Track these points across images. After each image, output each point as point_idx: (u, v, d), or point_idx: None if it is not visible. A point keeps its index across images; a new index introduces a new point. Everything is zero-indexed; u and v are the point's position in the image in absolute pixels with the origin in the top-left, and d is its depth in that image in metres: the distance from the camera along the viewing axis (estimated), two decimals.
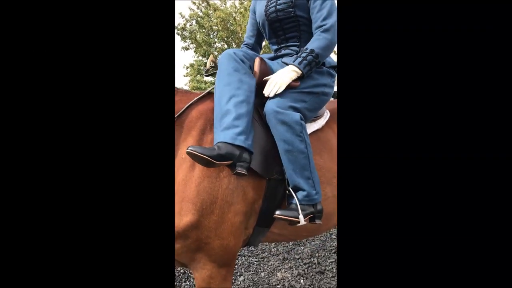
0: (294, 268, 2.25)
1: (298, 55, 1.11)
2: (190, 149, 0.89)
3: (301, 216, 1.02)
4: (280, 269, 2.25)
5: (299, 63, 1.08)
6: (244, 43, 1.44)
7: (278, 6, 1.21)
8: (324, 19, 1.14)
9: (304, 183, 1.05)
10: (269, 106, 1.07)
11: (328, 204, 1.20)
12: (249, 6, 9.28)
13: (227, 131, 0.96)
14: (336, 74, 1.31)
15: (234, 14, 9.60)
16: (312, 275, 2.18)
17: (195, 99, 1.10)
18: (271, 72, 1.17)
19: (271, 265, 2.31)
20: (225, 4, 9.95)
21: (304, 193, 1.06)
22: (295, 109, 1.08)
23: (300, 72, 1.08)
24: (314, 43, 1.11)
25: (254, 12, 1.37)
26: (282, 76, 1.07)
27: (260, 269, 2.26)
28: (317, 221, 1.10)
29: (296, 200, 1.04)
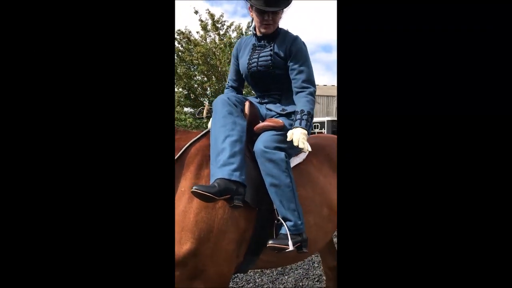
0: None
1: (300, 118, 1.26)
2: (195, 189, 1.01)
3: (290, 243, 1.14)
4: None
5: (305, 125, 1.25)
6: (228, 85, 1.58)
7: (259, 68, 1.38)
8: (305, 81, 1.34)
9: (291, 214, 1.18)
10: (258, 146, 1.22)
11: (311, 231, 1.32)
12: (228, 43, 9.76)
13: (224, 167, 1.08)
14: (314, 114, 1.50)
15: (214, 50, 10.03)
16: None
17: (195, 139, 1.23)
18: (259, 114, 1.34)
19: None
20: (206, 40, 10.40)
21: (291, 223, 1.18)
22: (281, 149, 1.23)
23: (307, 129, 1.25)
24: (307, 106, 1.29)
25: (237, 59, 1.52)
26: (303, 137, 1.22)
27: None
28: (304, 249, 1.21)
29: (286, 229, 1.16)
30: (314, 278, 2.62)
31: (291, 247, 1.14)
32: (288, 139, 1.23)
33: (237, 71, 1.52)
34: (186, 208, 1.08)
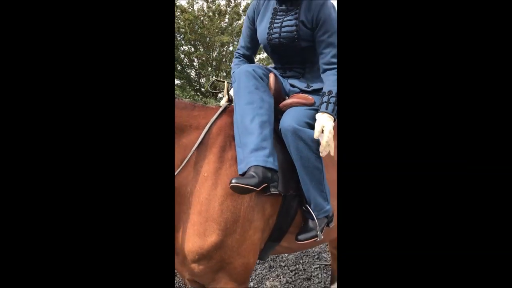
0: (281, 276, 2.28)
1: (327, 100, 1.09)
2: (234, 183, 0.91)
3: (319, 233, 1.07)
4: (268, 277, 2.27)
5: (332, 111, 1.07)
6: (239, 53, 1.35)
7: (281, 40, 1.17)
8: (335, 56, 1.13)
9: (320, 197, 1.09)
10: (287, 122, 1.07)
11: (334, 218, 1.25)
12: (217, 10, 9.23)
13: (257, 153, 0.96)
14: None
15: (202, 18, 9.49)
16: (299, 282, 2.22)
17: (215, 116, 1.08)
18: (282, 90, 1.19)
19: (259, 274, 2.31)
20: (193, 7, 9.80)
21: (319, 207, 1.10)
22: (310, 126, 1.10)
23: (334, 117, 1.08)
24: (335, 86, 1.11)
25: (253, 23, 1.28)
26: (330, 129, 1.04)
27: (249, 279, 2.25)
28: (330, 225, 1.16)
29: (314, 217, 1.08)
30: (314, 255, 2.63)
31: (320, 237, 1.07)
32: (316, 135, 1.04)
33: (252, 37, 1.29)
34: (210, 196, 0.96)
